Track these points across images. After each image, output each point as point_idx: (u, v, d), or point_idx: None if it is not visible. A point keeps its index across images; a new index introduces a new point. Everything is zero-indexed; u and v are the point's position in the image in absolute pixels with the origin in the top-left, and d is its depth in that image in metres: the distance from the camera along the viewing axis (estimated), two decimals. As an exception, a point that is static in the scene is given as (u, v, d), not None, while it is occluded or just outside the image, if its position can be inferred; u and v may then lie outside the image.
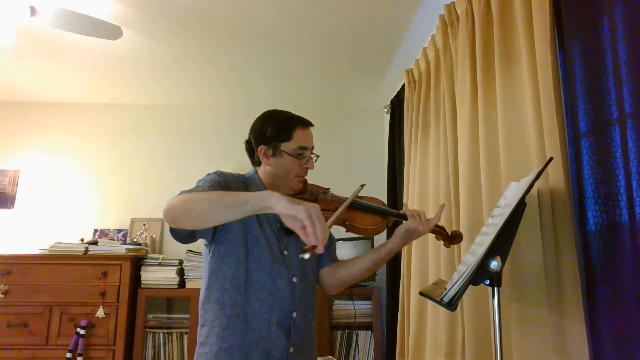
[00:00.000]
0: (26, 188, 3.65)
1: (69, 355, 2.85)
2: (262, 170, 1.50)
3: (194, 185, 1.36)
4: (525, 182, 1.27)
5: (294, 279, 1.42)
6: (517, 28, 1.58)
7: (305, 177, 1.51)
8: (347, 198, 1.44)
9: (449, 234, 1.57)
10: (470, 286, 1.20)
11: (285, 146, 1.44)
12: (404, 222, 1.49)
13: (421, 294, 1.39)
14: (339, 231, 1.61)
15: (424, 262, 2.30)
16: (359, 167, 3.80)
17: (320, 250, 1.03)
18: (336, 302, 3.18)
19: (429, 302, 2.12)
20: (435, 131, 2.29)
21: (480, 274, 1.18)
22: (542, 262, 1.34)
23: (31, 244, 3.38)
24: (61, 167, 3.72)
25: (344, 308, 3.17)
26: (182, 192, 1.24)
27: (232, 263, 1.38)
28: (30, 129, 3.76)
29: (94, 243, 3.16)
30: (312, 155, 1.49)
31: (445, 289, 1.25)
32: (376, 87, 3.51)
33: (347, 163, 3.76)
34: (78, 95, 3.69)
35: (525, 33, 1.51)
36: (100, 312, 2.95)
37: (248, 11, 2.47)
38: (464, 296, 1.25)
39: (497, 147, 1.62)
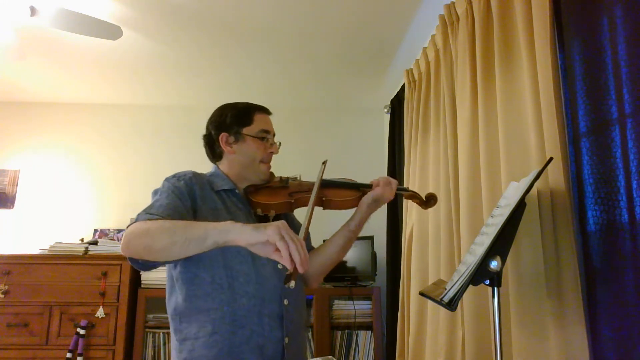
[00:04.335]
0: (26, 188, 3.65)
1: (69, 355, 2.85)
2: (226, 163, 1.46)
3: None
4: (525, 182, 1.27)
5: (279, 265, 1.32)
6: (517, 28, 1.58)
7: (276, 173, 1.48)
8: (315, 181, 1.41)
9: (424, 198, 1.55)
10: (470, 286, 1.20)
11: (247, 130, 1.43)
12: (369, 191, 1.46)
13: (421, 294, 1.39)
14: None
15: (424, 262, 2.30)
16: (359, 167, 3.79)
17: (302, 270, 0.95)
18: (336, 302, 3.17)
19: (429, 302, 2.12)
20: (435, 131, 2.29)
21: (480, 274, 1.18)
22: (542, 262, 1.34)
23: (31, 244, 3.37)
24: (61, 167, 3.72)
25: (344, 308, 3.16)
26: (139, 216, 1.16)
27: (207, 265, 1.28)
28: (30, 129, 3.76)
29: (94, 243, 3.16)
30: (276, 141, 1.47)
31: (445, 289, 1.25)
32: (376, 87, 3.51)
33: (347, 163, 3.75)
34: (78, 95, 3.69)
35: (525, 33, 1.51)
36: (100, 312, 2.95)
37: (247, 11, 2.48)
38: (464, 296, 1.25)
39: (497, 147, 1.62)
